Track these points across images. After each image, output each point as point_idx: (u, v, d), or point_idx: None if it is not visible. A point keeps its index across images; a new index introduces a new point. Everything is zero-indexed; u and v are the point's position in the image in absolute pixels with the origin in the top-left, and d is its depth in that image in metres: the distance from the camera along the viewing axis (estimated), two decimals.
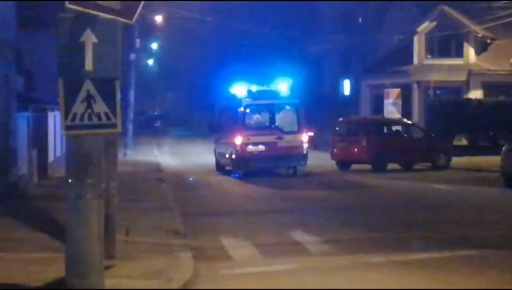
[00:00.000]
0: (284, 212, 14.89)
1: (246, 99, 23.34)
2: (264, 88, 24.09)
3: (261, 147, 23.01)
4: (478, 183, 20.58)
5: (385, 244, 10.97)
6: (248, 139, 22.89)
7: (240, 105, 23.26)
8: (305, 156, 23.38)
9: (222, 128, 25.28)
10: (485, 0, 33.69)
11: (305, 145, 23.44)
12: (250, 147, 22.98)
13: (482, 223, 13.23)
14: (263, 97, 23.60)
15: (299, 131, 23.49)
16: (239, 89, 23.73)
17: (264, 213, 14.77)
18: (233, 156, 22.96)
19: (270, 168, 23.72)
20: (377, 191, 18.89)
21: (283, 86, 23.83)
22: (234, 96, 23.98)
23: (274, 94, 23.75)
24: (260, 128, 23.46)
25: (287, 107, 23.85)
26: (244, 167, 22.90)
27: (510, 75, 35.00)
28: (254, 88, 23.78)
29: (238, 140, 22.72)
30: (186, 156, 33.44)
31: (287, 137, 23.20)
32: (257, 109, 23.68)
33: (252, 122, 23.68)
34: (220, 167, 25.16)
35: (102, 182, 7.64)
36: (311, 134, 26.19)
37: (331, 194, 18.34)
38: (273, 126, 23.38)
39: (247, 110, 23.34)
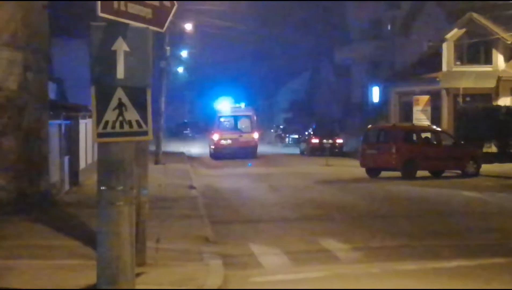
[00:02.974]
0: (313, 219, 14.81)
1: (221, 112, 38.64)
2: (233, 105, 39.39)
3: (229, 141, 37.38)
4: (508, 190, 20.37)
5: (415, 252, 10.87)
6: (221, 136, 37.50)
7: (217, 116, 38.54)
8: (255, 147, 37.98)
9: (210, 130, 39.88)
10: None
11: (255, 140, 37.99)
12: (222, 141, 37.45)
13: None
14: (231, 111, 38.76)
15: (251, 131, 38.05)
16: (222, 104, 39.41)
17: (293, 220, 14.71)
18: (213, 147, 38.27)
19: (234, 154, 36.40)
20: (407, 199, 18.74)
21: (243, 104, 39.82)
22: (218, 109, 39.19)
23: (239, 109, 39.22)
24: (228, 130, 38.06)
25: (245, 117, 38.60)
26: (219, 153, 37.11)
27: None
28: (228, 104, 39.30)
29: (215, 136, 37.61)
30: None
31: (244, 135, 37.76)
32: (227, 118, 38.62)
33: (224, 126, 38.36)
34: (211, 155, 38.84)
35: (133, 189, 7.64)
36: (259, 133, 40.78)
37: (360, 201, 18.22)
38: (236, 128, 38.08)
39: (221, 119, 38.48)
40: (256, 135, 38.29)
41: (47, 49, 15.70)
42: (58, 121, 17.43)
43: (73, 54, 31.38)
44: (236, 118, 38.57)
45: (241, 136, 37.69)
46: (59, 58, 31.45)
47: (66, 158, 18.26)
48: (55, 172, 16.67)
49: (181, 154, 38.66)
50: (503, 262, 10.04)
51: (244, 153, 36.69)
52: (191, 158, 37.81)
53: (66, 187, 18.15)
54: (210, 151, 39.25)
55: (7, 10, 14.18)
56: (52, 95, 19.13)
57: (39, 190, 14.83)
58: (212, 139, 38.17)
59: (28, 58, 14.60)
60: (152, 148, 28.13)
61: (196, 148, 46.45)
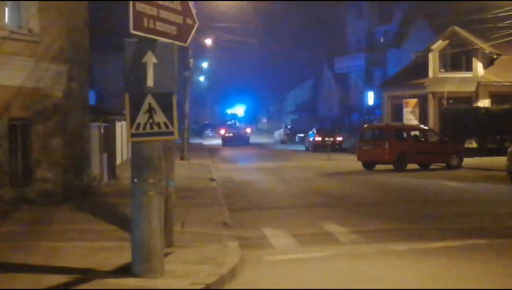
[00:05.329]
0: (317, 206, 14.78)
1: (226, 116, 65.12)
2: (234, 111, 72.80)
3: (231, 134, 50.15)
4: (487, 181, 20.21)
5: (406, 234, 10.81)
6: (226, 130, 50.91)
7: (224, 117, 63.21)
8: (248, 138, 50.88)
9: (220, 127, 55.04)
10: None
11: (248, 134, 51.88)
12: (226, 134, 50.07)
13: (491, 216, 12.95)
14: (233, 115, 68.38)
15: (245, 128, 53.77)
16: (227, 111, 72.63)
17: (299, 207, 14.68)
18: (221, 138, 50.38)
19: (234, 141, 48.26)
20: (398, 188, 18.66)
21: (241, 109, 77.59)
22: (225, 113, 73.03)
23: (237, 114, 69.94)
24: (230, 127, 53.48)
25: (241, 117, 68.38)
26: (226, 143, 48.47)
27: None
28: (231, 111, 72.38)
29: (223, 131, 51.24)
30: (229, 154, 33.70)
31: (240, 130, 52.40)
32: (229, 119, 58.76)
33: (228, 123, 54.55)
34: (222, 143, 49.02)
35: (162, 181, 7.67)
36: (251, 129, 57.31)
37: (357, 190, 18.16)
38: (235, 126, 54.15)
39: (226, 120, 57.52)
40: (248, 130, 53.32)
41: (88, 62, 15.78)
42: (98, 124, 17.52)
43: (111, 66, 31.46)
44: (235, 119, 57.30)
45: (238, 131, 52.08)
46: (99, 70, 31.56)
47: (105, 155, 18.34)
48: (95, 167, 16.76)
49: (202, 146, 45.49)
50: (483, 243, 9.93)
51: (241, 141, 48.88)
52: (210, 149, 41.80)
53: (105, 179, 18.23)
54: (222, 142, 50.07)
55: (54, 29, 14.28)
56: (92, 101, 19.21)
57: (82, 182, 14.93)
58: (221, 133, 52.14)
59: (72, 70, 14.68)
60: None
61: (215, 142, 54.08)
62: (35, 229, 10.70)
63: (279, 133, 59.50)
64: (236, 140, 48.51)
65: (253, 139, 56.06)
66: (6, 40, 13.08)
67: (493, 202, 15.30)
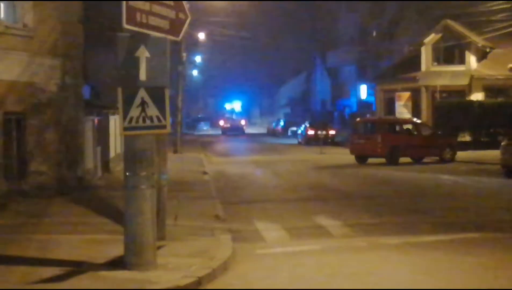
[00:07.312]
0: (309, 200, 14.82)
1: (224, 109, 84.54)
2: (231, 104, 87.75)
3: (229, 125, 60.54)
4: (480, 174, 20.30)
5: (398, 228, 10.84)
6: (224, 122, 62.20)
7: (223, 110, 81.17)
8: (243, 128, 60.84)
9: (220, 118, 66.87)
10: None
11: (244, 125, 61.94)
12: (225, 125, 60.74)
13: (484, 209, 13.03)
14: (232, 109, 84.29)
15: (241, 119, 64.86)
16: (225, 105, 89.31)
17: (292, 201, 14.72)
18: (221, 128, 61.56)
19: (232, 131, 58.05)
20: (391, 181, 18.73)
21: (238, 103, 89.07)
22: (223, 107, 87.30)
23: (234, 109, 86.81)
24: (229, 118, 65.52)
25: (238, 112, 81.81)
26: (225, 132, 58.37)
27: (507, 79, 34.61)
28: (228, 104, 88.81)
29: (221, 122, 63.07)
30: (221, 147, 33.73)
31: (237, 121, 63.40)
32: (228, 112, 76.98)
33: (226, 116, 67.94)
34: (222, 133, 59.31)
35: (154, 175, 7.71)
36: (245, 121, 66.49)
37: (350, 184, 18.22)
38: (233, 117, 66.98)
39: (225, 113, 74.49)
40: (243, 122, 63.75)
41: (82, 57, 15.77)
42: (92, 117, 17.50)
43: (105, 60, 31.30)
44: (232, 112, 66.97)
45: (234, 122, 62.75)
46: (93, 64, 31.39)
47: (98, 149, 18.33)
48: (89, 160, 16.75)
49: (195, 138, 47.15)
50: (476, 237, 9.95)
51: (237, 131, 58.57)
52: (204, 142, 42.54)
53: (99, 173, 18.23)
54: (221, 131, 60.60)
55: (48, 24, 14.26)
56: (86, 95, 19.17)
57: (76, 176, 14.94)
58: (219, 124, 63.87)
59: (66, 65, 14.68)
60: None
61: (210, 132, 64.54)
62: (29, 222, 10.72)
63: (271, 126, 59.76)
64: (233, 130, 58.97)
65: (247, 131, 63.90)
66: (1, 35, 13.06)
67: (486, 195, 15.37)
